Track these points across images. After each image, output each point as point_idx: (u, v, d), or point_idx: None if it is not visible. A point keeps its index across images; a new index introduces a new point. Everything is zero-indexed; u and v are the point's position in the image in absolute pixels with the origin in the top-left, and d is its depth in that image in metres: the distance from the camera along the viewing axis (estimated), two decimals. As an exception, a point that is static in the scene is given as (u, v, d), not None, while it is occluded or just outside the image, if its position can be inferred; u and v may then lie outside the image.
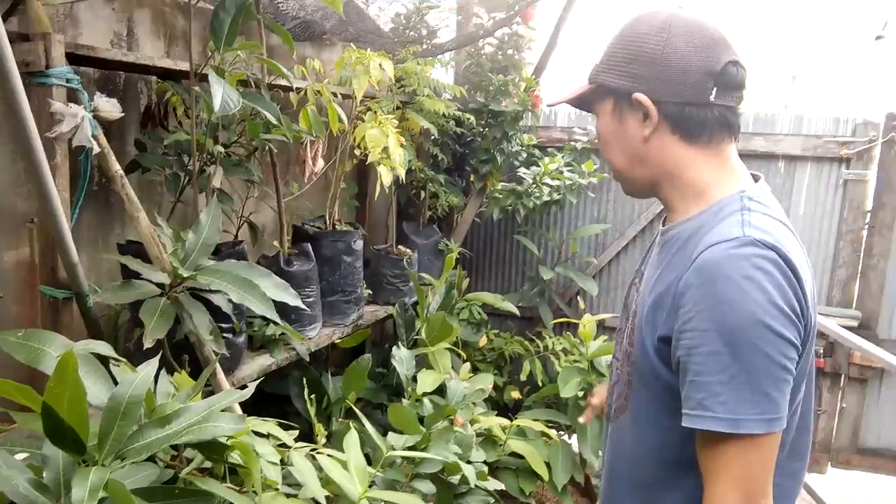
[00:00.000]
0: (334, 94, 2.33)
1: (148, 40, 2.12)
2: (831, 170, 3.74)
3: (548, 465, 2.71)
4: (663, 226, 1.17)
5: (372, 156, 2.37)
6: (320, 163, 2.29)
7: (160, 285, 1.61)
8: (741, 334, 0.94)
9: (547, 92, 3.68)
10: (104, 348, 1.18)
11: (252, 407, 1.86)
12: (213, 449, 1.31)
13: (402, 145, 2.62)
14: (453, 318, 3.16)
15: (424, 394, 2.44)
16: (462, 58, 3.84)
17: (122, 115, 1.63)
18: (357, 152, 2.46)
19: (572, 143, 3.82)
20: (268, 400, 2.47)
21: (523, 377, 3.48)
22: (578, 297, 4.00)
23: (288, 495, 1.28)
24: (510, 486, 2.68)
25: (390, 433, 1.88)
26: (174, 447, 1.33)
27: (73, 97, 1.54)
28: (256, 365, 2.17)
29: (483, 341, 3.61)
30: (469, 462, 2.26)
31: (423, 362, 2.80)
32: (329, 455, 1.43)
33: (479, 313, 3.50)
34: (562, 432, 3.12)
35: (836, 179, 3.74)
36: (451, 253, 2.93)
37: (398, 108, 3.02)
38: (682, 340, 0.99)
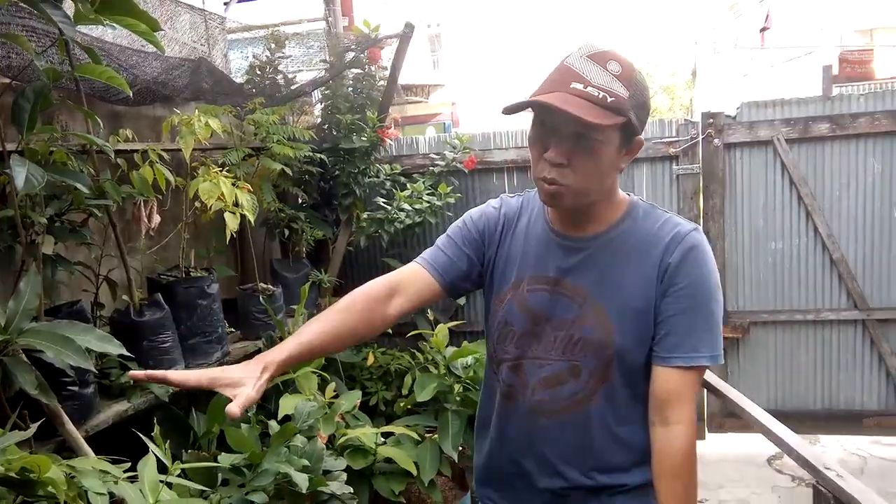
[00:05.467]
0: (165, 152, 2.56)
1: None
2: (664, 167, 4.15)
3: (417, 465, 2.96)
4: (567, 233, 1.32)
5: (210, 206, 2.61)
6: (156, 219, 2.51)
7: (-15, 350, 1.80)
8: (716, 296, 1.27)
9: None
10: None
11: (125, 450, 2.03)
12: (24, 486, 1.52)
13: (249, 191, 2.86)
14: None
15: (286, 416, 2.66)
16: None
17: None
18: (197, 204, 2.68)
19: (432, 168, 4.13)
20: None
21: (405, 391, 3.72)
22: (459, 310, 4.29)
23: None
24: (382, 489, 2.91)
25: (222, 453, 2.10)
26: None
27: None
28: (112, 412, 2.34)
29: (370, 360, 3.86)
30: (326, 472, 2.50)
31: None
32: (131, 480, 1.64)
33: (358, 335, 3.73)
34: (432, 433, 3.37)
35: (669, 175, 4.15)
36: (305, 284, 3.18)
37: (249, 155, 3.26)
38: (677, 301, 1.24)
